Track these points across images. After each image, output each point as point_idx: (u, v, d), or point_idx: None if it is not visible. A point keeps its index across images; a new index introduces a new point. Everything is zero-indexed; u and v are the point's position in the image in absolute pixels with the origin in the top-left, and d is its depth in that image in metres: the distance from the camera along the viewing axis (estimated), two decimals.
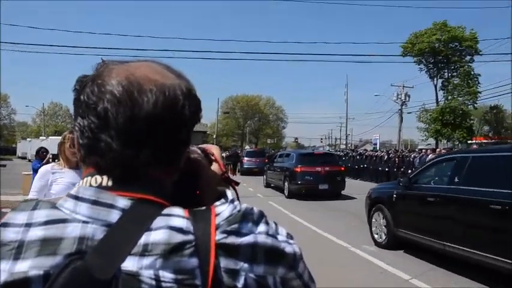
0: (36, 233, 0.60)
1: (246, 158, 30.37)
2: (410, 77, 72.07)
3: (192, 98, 0.71)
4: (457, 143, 36.73)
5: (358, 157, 28.09)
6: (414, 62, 41.59)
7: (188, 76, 0.75)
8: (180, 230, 0.61)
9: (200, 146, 0.88)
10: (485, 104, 48.46)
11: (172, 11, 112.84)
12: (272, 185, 19.14)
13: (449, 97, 38.58)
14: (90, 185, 0.67)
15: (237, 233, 0.63)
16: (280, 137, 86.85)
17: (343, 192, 15.97)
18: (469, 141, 36.43)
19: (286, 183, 16.11)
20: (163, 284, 0.58)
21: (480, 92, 37.56)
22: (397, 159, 23.16)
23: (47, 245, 0.59)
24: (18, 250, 0.59)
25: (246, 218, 0.65)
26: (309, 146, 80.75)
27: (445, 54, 38.87)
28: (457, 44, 38.88)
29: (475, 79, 38.11)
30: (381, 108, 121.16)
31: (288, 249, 0.67)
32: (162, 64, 0.74)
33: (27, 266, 0.57)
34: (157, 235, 0.60)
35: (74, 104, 0.70)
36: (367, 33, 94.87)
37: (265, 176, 20.73)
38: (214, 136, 54.68)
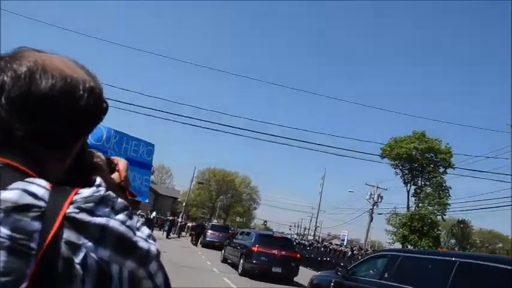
0: None
1: (210, 231, 30.12)
2: (385, 179, 73.73)
3: (94, 95, 0.75)
4: None
5: (322, 249, 27.83)
6: (391, 165, 42.75)
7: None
8: (33, 195, 0.61)
9: (108, 156, 0.96)
10: (454, 217, 49.25)
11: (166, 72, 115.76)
12: (229, 260, 18.90)
13: (420, 204, 39.21)
14: None
15: (91, 212, 0.63)
16: (250, 217, 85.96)
17: (296, 279, 15.80)
18: None
19: (241, 261, 15.90)
20: None
21: (450, 204, 38.39)
22: (360, 257, 22.88)
23: None
24: None
25: (105, 203, 0.65)
26: (277, 231, 79.64)
27: (420, 162, 40.14)
28: (432, 154, 40.33)
29: (446, 191, 39.16)
30: (353, 205, 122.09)
31: (142, 244, 0.66)
32: (78, 62, 0.78)
33: None
34: (8, 194, 0.60)
35: None
36: (348, 127, 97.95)
37: (223, 251, 20.55)
38: (184, 204, 53.79)
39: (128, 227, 0.66)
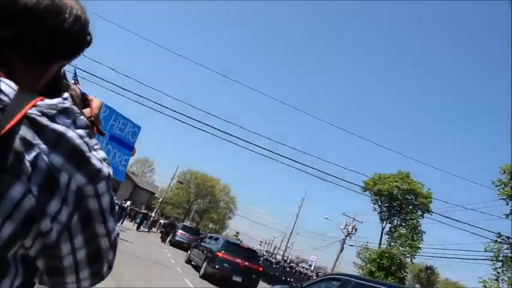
0: None
1: (180, 231, 30.20)
2: (362, 212, 74.02)
3: (79, 23, 0.77)
4: None
5: (288, 269, 27.80)
6: (371, 200, 42.96)
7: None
8: None
9: (84, 92, 0.96)
10: (422, 262, 49.46)
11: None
12: (193, 262, 18.90)
13: (392, 243, 39.33)
14: None
15: (51, 118, 0.64)
16: (223, 226, 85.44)
17: None
18: None
19: (205, 264, 15.94)
20: None
21: (421, 248, 38.53)
22: None
23: None
24: None
25: (68, 114, 0.67)
26: (247, 245, 79.09)
27: (400, 202, 40.36)
28: (413, 197, 40.60)
29: (420, 235, 39.34)
30: (326, 232, 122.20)
31: (95, 161, 0.68)
32: None
33: None
34: None
35: None
36: (335, 153, 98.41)
37: (189, 252, 20.56)
38: (160, 200, 53.36)
39: (85, 142, 0.67)
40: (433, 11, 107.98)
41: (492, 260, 26.66)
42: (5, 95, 0.63)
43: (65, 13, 0.74)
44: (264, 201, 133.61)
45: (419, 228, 39.52)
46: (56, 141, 0.63)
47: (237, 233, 78.97)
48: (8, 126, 0.59)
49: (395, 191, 40.35)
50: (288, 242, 58.98)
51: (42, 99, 0.65)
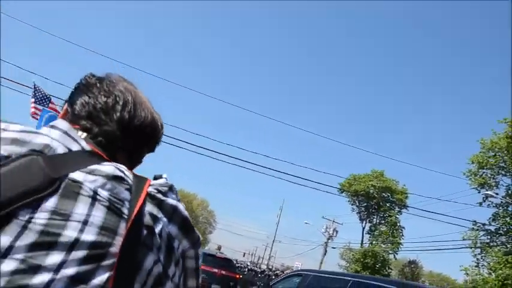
0: (9, 134, 0.72)
1: None
2: (341, 214, 74.71)
3: (163, 130, 0.99)
4: None
5: (273, 277, 27.94)
6: (348, 201, 43.51)
7: None
8: (122, 171, 0.77)
9: None
10: (405, 258, 50.28)
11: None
12: None
13: (374, 242, 39.86)
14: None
15: (165, 194, 0.79)
16: (205, 241, 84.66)
17: None
18: None
19: None
20: (98, 198, 0.70)
21: (402, 244, 39.17)
22: None
23: (17, 142, 0.71)
24: None
25: (174, 191, 0.82)
26: (231, 257, 78.58)
27: (377, 201, 41.00)
28: (389, 194, 41.31)
29: (400, 231, 40.02)
30: (308, 237, 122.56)
31: (196, 230, 0.84)
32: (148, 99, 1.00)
33: None
34: (105, 167, 0.74)
35: (79, 88, 0.92)
36: (308, 157, 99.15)
37: None
38: None
39: (187, 213, 0.83)
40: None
41: (471, 248, 27.33)
42: (127, 176, 0.76)
43: (159, 125, 0.97)
44: (243, 212, 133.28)
45: (398, 224, 40.26)
46: (172, 214, 0.79)
47: (219, 246, 78.50)
48: (139, 205, 0.72)
49: (371, 190, 41.00)
50: (271, 250, 59.01)
51: (151, 180, 0.81)
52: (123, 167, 0.78)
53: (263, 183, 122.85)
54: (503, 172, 27.99)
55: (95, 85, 0.91)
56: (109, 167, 0.74)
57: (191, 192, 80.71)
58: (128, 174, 0.77)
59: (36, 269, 0.60)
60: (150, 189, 0.77)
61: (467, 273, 27.57)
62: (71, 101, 0.91)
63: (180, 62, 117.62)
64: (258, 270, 34.37)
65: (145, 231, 0.72)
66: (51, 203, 0.66)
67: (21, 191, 0.64)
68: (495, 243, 27.35)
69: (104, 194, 0.70)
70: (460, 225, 28.55)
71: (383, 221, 41.52)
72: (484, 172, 28.42)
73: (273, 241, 57.12)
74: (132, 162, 0.93)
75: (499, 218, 27.61)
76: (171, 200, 0.79)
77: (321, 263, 39.33)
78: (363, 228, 42.75)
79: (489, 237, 28.12)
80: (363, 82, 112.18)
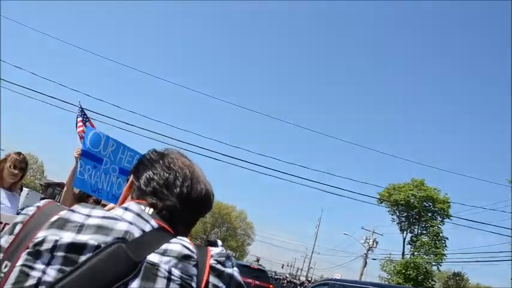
0: (94, 221, 0.86)
1: None
2: (381, 224, 73.00)
3: (213, 199, 1.12)
4: None
5: None
6: (388, 211, 42.48)
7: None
8: (188, 249, 0.89)
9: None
10: (450, 269, 48.41)
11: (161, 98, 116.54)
12: None
13: (416, 253, 38.66)
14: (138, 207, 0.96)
15: (223, 264, 0.91)
16: (244, 252, 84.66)
17: None
18: None
19: None
20: (172, 277, 0.83)
21: (446, 255, 37.78)
22: None
23: (102, 230, 0.85)
24: (80, 228, 0.84)
25: (230, 259, 0.94)
26: (269, 269, 78.35)
27: (418, 210, 39.84)
28: (430, 203, 40.07)
29: (443, 241, 38.65)
30: (347, 248, 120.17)
31: None
32: (201, 170, 1.14)
33: (86, 238, 0.83)
34: (174, 246, 0.88)
35: (143, 163, 1.08)
36: (346, 167, 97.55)
37: None
38: None
39: (240, 277, 0.95)
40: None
41: None
42: (192, 252, 0.89)
43: (212, 196, 1.10)
44: (282, 223, 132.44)
45: (441, 234, 38.87)
46: (229, 282, 0.90)
47: (258, 258, 78.32)
48: (205, 279, 0.86)
49: (411, 200, 39.90)
50: (310, 262, 58.20)
51: (211, 249, 0.93)
52: (187, 243, 0.90)
53: (301, 194, 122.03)
54: None
55: (158, 161, 1.06)
56: (178, 246, 0.88)
57: (229, 204, 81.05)
58: (193, 249, 0.89)
59: None
60: (212, 261, 0.90)
61: None
62: (137, 174, 1.07)
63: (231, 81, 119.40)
64: (297, 282, 33.95)
65: None
66: (135, 284, 0.80)
67: (113, 277, 0.80)
68: None
69: (176, 273, 0.84)
70: (508, 235, 27.22)
71: (425, 232, 40.23)
72: None
73: (312, 252, 56.39)
74: (189, 229, 1.06)
75: None
76: (228, 269, 0.91)
77: (361, 274, 38.42)
78: (404, 239, 41.61)
79: None
80: (401, 92, 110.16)
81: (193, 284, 0.84)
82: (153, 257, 0.84)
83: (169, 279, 0.83)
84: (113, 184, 4.15)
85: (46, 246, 0.80)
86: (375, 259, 40.82)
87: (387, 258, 39.83)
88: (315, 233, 54.50)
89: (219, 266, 0.90)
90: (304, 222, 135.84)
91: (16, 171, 3.75)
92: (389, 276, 38.49)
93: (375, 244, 38.97)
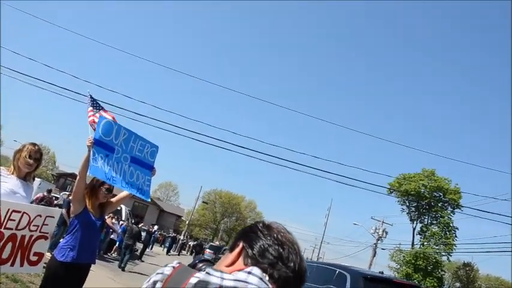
0: (229, 283, 0.96)
1: (208, 250, 32.10)
2: (391, 214, 72.87)
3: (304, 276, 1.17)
4: None
5: None
6: (398, 201, 42.36)
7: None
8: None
9: None
10: (459, 260, 48.26)
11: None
12: None
13: (425, 243, 38.60)
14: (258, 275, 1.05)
15: None
16: None
17: None
18: None
19: None
20: None
21: (455, 245, 37.66)
22: None
23: None
24: None
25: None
26: None
27: (428, 201, 39.67)
28: (441, 194, 39.86)
29: (453, 231, 38.51)
30: (357, 238, 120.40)
31: None
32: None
33: None
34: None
35: (253, 232, 1.18)
36: (356, 157, 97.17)
37: None
38: (187, 223, 53.54)
39: None
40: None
41: None
42: None
43: (305, 272, 1.16)
44: (291, 213, 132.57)
45: (451, 225, 38.70)
46: None
47: None
48: None
49: (422, 190, 39.71)
50: (319, 252, 58.43)
51: None
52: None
53: (311, 184, 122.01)
54: None
55: (268, 234, 1.15)
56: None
57: (239, 194, 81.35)
58: None
59: None
60: None
61: None
62: (248, 242, 1.15)
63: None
64: None
65: None
66: None
67: None
68: None
69: None
70: None
71: (435, 222, 40.08)
72: None
73: (321, 242, 56.52)
74: None
75: None
76: None
77: (370, 264, 38.47)
78: (414, 229, 41.47)
79: None
80: (413, 81, 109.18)
81: None
82: None
83: None
84: (125, 172, 4.17)
85: None
86: (384, 249, 40.81)
87: (396, 249, 39.81)
88: (324, 223, 54.48)
89: None
90: (314, 213, 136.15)
91: (31, 162, 3.80)
92: (399, 266, 38.50)
93: (384, 234, 38.90)
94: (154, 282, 1.03)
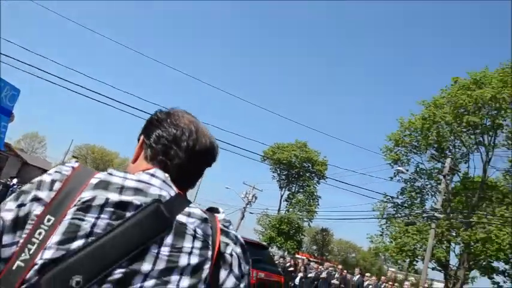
0: (131, 184, 0.99)
1: None
2: (262, 180, 76.19)
3: (218, 150, 1.22)
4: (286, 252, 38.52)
5: None
6: (270, 169, 44.34)
7: None
8: (206, 213, 1.05)
9: None
10: (318, 225, 52.53)
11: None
12: None
13: (291, 209, 41.17)
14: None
15: (227, 227, 1.08)
16: None
17: None
18: (297, 255, 38.51)
19: None
20: (197, 235, 0.99)
21: (317, 212, 40.84)
22: None
23: (139, 192, 0.98)
24: (121, 190, 0.97)
25: (231, 223, 1.11)
26: None
27: (298, 170, 42.17)
28: (310, 165, 42.63)
29: (316, 200, 41.65)
30: (229, 202, 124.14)
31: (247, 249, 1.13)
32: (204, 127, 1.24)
33: (130, 198, 0.96)
34: (195, 210, 1.03)
35: (152, 122, 1.17)
36: (231, 123, 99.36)
37: None
38: None
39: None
40: None
41: (378, 218, 29.03)
42: (209, 217, 1.04)
43: (216, 148, 1.21)
44: None
45: (315, 194, 41.77)
46: (236, 240, 1.07)
47: None
48: (218, 237, 1.02)
49: (293, 160, 42.00)
50: None
51: (217, 215, 1.09)
52: (199, 207, 1.07)
53: None
54: (414, 151, 29.75)
55: (165, 120, 1.15)
56: (198, 210, 1.04)
57: (112, 150, 78.11)
58: (208, 216, 1.05)
59: (166, 284, 0.91)
60: (220, 225, 1.06)
61: (372, 241, 29.39)
62: (147, 133, 1.16)
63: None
64: None
65: (220, 257, 1.02)
66: (169, 240, 0.95)
67: (154, 232, 0.94)
68: (399, 215, 29.26)
69: (199, 232, 0.99)
70: (372, 197, 30.19)
71: (301, 190, 42.91)
72: (398, 149, 30.03)
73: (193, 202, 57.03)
74: (194, 185, 1.19)
75: (405, 192, 29.50)
76: (232, 231, 1.08)
77: (238, 227, 39.92)
78: (281, 196, 43.96)
79: (395, 209, 30.02)
80: (298, 53, 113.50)
81: (210, 242, 1.00)
82: (181, 218, 0.99)
83: (194, 237, 0.98)
84: None
85: (97, 202, 0.92)
86: (252, 213, 42.67)
87: (264, 213, 41.87)
88: (197, 184, 54.94)
89: (225, 229, 1.06)
90: None
91: None
92: (264, 230, 40.64)
93: (254, 199, 40.53)
94: (53, 181, 0.97)
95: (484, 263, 25.56)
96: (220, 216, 1.09)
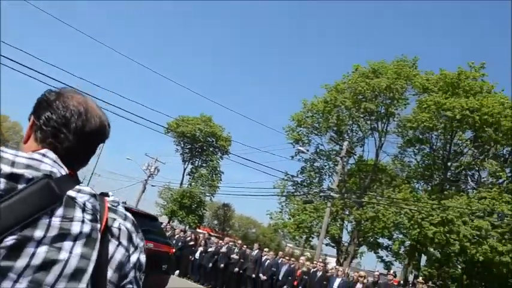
0: (22, 160, 1.01)
1: None
2: (165, 153, 75.00)
3: (109, 128, 1.26)
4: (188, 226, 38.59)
5: None
6: (174, 142, 43.69)
7: None
8: (95, 191, 1.12)
9: None
10: (220, 200, 53.34)
11: None
12: None
13: (193, 183, 41.16)
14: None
15: (116, 206, 1.17)
16: None
17: None
18: (198, 230, 38.81)
19: None
20: (86, 208, 1.05)
21: (219, 187, 41.34)
22: None
23: (30, 167, 1.00)
24: (12, 163, 0.98)
25: (118, 203, 1.19)
26: None
27: (201, 144, 42.08)
28: (214, 140, 42.73)
29: (219, 175, 42.06)
30: (130, 174, 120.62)
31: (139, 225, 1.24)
32: (96, 103, 1.27)
33: (22, 171, 0.98)
34: (84, 188, 1.10)
35: (41, 104, 1.18)
36: (136, 92, 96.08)
37: None
38: None
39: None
40: None
41: (278, 196, 30.21)
42: (97, 196, 1.11)
43: (107, 126, 1.25)
44: None
45: (218, 169, 42.11)
46: (125, 217, 1.17)
47: None
48: (106, 212, 1.10)
49: (197, 134, 41.74)
50: (88, 183, 56.04)
51: (106, 197, 1.17)
52: (89, 189, 1.11)
53: None
54: (315, 132, 31.19)
55: (55, 101, 1.16)
56: (87, 188, 1.10)
57: (2, 114, 71.20)
58: (96, 194, 1.12)
59: (59, 250, 0.97)
60: (108, 204, 1.14)
61: (272, 218, 30.58)
62: (37, 114, 1.17)
63: None
64: None
65: (108, 230, 1.10)
66: (60, 211, 1.00)
67: (45, 203, 0.98)
68: (298, 193, 30.71)
69: (89, 206, 1.06)
70: (273, 175, 31.22)
71: (204, 165, 43.00)
72: (300, 130, 31.25)
73: (92, 174, 54.45)
74: (84, 165, 1.23)
75: (305, 172, 30.97)
76: (121, 209, 1.17)
77: (139, 200, 39.05)
78: (184, 170, 43.68)
79: (294, 187, 31.44)
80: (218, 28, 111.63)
81: (98, 216, 1.07)
82: (71, 193, 1.04)
83: (83, 210, 1.04)
84: None
85: None
86: (154, 186, 41.91)
87: (166, 186, 41.35)
88: (98, 154, 52.42)
89: (113, 207, 1.14)
90: None
91: None
92: (166, 203, 40.23)
93: (156, 171, 39.75)
94: None
95: (371, 240, 28.00)
96: (109, 199, 1.16)
